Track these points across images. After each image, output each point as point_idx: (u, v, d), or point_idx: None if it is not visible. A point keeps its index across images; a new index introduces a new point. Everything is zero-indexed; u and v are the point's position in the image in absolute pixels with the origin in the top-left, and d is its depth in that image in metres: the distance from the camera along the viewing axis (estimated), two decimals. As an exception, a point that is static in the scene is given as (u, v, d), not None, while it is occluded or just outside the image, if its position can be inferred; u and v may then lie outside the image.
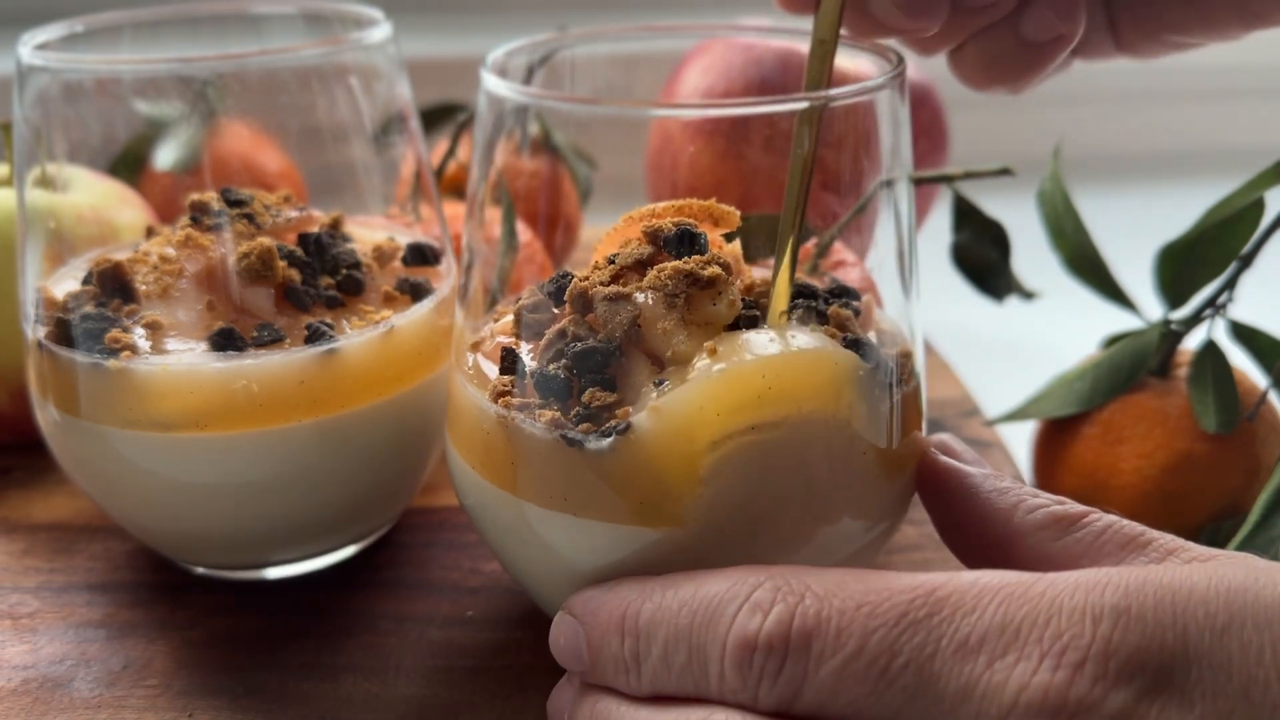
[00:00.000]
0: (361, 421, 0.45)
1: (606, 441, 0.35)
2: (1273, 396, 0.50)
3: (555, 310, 0.39)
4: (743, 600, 0.32)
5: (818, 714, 0.31)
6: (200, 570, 0.50)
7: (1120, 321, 0.54)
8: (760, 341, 0.36)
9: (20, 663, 0.45)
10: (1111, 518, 0.36)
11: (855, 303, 0.40)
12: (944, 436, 0.41)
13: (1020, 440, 0.58)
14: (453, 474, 0.42)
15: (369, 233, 0.51)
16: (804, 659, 0.31)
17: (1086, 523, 0.36)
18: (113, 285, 0.44)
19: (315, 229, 0.47)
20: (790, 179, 0.38)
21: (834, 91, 0.37)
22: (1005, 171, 0.55)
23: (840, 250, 0.47)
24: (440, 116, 0.71)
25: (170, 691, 0.43)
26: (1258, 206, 0.48)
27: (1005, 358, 0.76)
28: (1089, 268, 0.53)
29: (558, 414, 0.36)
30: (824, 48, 0.38)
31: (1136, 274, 0.54)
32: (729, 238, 0.40)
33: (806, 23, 0.39)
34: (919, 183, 0.62)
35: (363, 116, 0.51)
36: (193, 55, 0.45)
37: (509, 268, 0.48)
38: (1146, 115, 1.16)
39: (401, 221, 0.54)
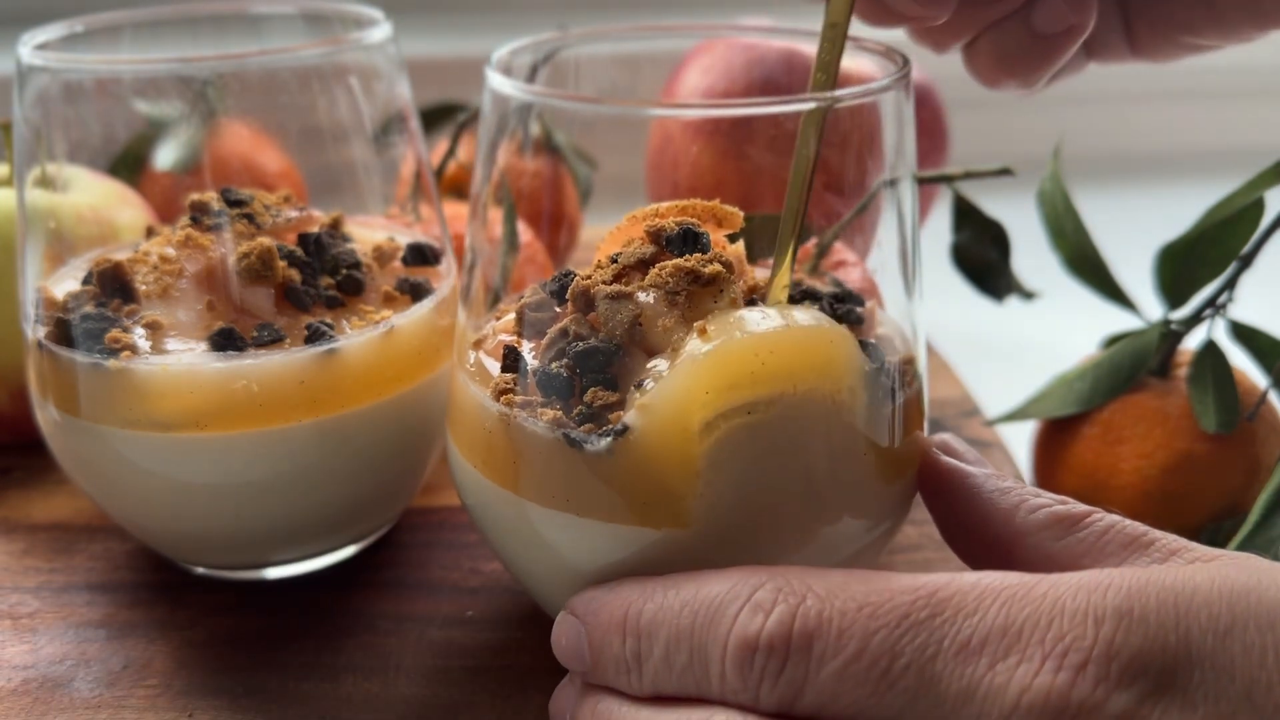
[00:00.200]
0: (361, 421, 0.45)
1: (604, 443, 0.35)
2: (1273, 396, 0.50)
3: (557, 309, 0.39)
4: (744, 601, 0.32)
5: (819, 715, 0.31)
6: (200, 570, 0.50)
7: (1120, 321, 0.54)
8: (753, 318, 0.36)
9: (20, 663, 0.45)
10: (1114, 518, 0.36)
11: (859, 309, 0.40)
12: (945, 436, 0.41)
13: (1020, 440, 0.58)
14: (454, 473, 0.42)
15: (369, 233, 0.51)
16: (805, 660, 0.31)
17: (1089, 523, 0.36)
18: (113, 285, 0.44)
19: (315, 229, 0.47)
20: (793, 179, 0.37)
21: (840, 92, 0.36)
22: (1005, 171, 0.55)
23: (841, 250, 0.47)
24: (440, 116, 0.71)
25: (170, 691, 0.43)
26: (1258, 206, 0.48)
27: (1005, 358, 0.76)
28: (1089, 268, 0.53)
29: (559, 413, 0.36)
30: (835, 30, 0.37)
31: (1136, 274, 0.54)
32: (732, 238, 0.40)
33: (807, 22, 0.39)
34: (919, 183, 0.62)
35: (363, 116, 0.50)
36: (193, 55, 0.45)
37: (510, 267, 0.48)
38: (1146, 115, 1.16)
39: (401, 221, 0.54)
